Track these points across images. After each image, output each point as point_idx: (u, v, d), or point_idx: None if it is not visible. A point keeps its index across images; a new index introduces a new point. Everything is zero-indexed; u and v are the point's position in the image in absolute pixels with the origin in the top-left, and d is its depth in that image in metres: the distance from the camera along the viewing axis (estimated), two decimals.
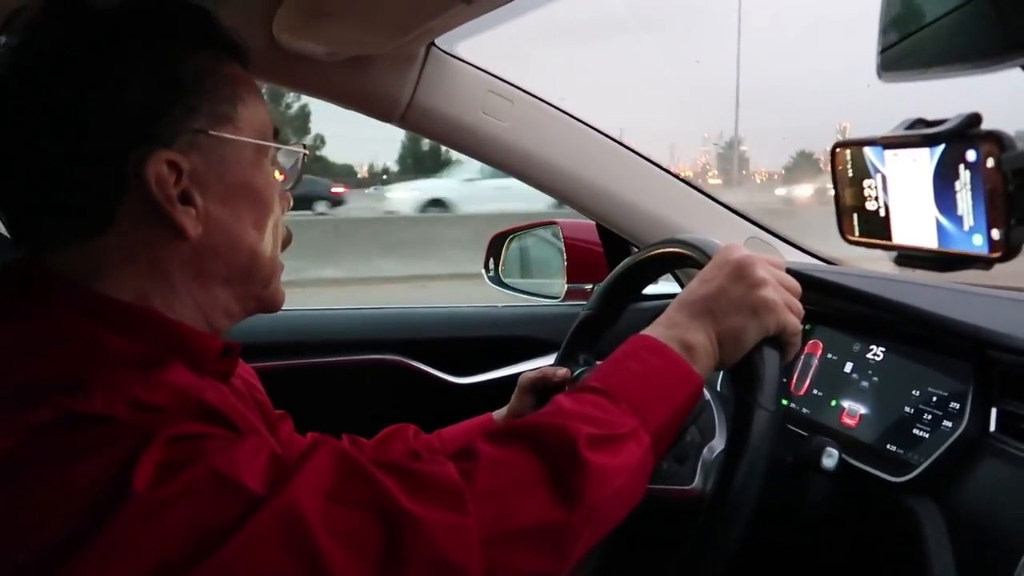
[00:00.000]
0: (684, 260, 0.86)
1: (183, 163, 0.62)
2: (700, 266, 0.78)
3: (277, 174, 0.73)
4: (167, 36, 0.64)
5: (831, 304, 1.02)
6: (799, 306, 0.75)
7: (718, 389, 1.11)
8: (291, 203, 0.76)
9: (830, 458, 0.82)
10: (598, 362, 0.99)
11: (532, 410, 0.98)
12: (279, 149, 0.72)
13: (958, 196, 0.54)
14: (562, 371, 0.98)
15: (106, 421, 0.51)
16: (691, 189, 1.33)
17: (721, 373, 1.11)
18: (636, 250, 1.19)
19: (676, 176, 1.32)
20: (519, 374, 1.01)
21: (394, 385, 1.44)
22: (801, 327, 0.75)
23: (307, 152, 0.76)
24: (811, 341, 1.04)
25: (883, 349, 0.94)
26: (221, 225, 0.66)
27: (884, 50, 0.54)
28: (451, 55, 1.15)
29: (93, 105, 0.60)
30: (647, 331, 0.73)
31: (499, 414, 1.01)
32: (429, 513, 0.55)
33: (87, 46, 0.61)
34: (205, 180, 0.64)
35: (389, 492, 0.55)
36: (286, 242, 0.75)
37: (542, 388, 0.98)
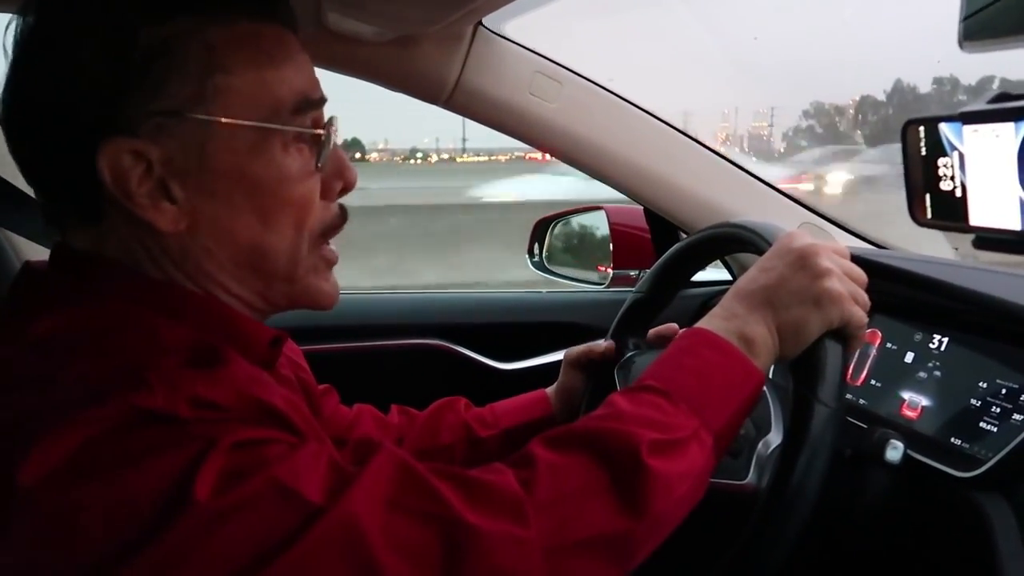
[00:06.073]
0: (743, 244, 0.82)
1: (151, 152, 0.56)
2: (760, 251, 0.75)
3: (301, 156, 0.61)
4: (121, 8, 0.56)
5: (890, 291, 0.98)
6: (865, 298, 0.71)
7: (770, 377, 1.08)
8: (351, 183, 0.66)
9: (895, 451, 0.79)
10: (645, 344, 0.98)
11: (583, 385, 0.96)
12: (292, 128, 0.60)
13: None
14: (605, 344, 0.96)
15: (169, 420, 0.50)
16: (742, 172, 1.29)
17: None
18: (684, 236, 1.15)
19: (726, 159, 1.28)
20: None
21: (438, 370, 1.43)
22: (867, 319, 0.71)
23: (324, 132, 0.62)
24: (869, 330, 1.00)
25: (946, 338, 0.90)
26: (210, 218, 0.59)
27: (967, 18, 0.51)
28: (499, 35, 1.13)
29: (53, 92, 0.56)
30: (704, 323, 0.69)
31: (550, 391, 0.99)
32: (490, 524, 0.54)
33: (48, 30, 0.57)
34: (184, 169, 0.57)
35: (449, 503, 0.54)
36: (333, 228, 0.66)
37: (587, 363, 0.97)
